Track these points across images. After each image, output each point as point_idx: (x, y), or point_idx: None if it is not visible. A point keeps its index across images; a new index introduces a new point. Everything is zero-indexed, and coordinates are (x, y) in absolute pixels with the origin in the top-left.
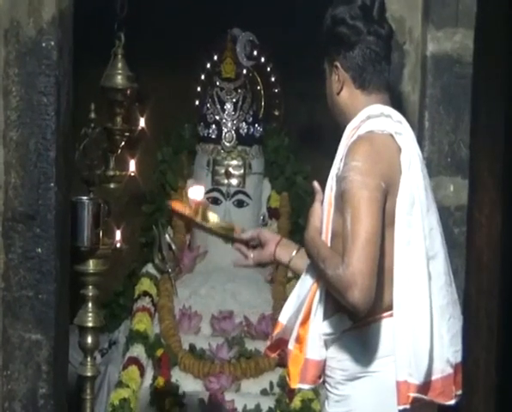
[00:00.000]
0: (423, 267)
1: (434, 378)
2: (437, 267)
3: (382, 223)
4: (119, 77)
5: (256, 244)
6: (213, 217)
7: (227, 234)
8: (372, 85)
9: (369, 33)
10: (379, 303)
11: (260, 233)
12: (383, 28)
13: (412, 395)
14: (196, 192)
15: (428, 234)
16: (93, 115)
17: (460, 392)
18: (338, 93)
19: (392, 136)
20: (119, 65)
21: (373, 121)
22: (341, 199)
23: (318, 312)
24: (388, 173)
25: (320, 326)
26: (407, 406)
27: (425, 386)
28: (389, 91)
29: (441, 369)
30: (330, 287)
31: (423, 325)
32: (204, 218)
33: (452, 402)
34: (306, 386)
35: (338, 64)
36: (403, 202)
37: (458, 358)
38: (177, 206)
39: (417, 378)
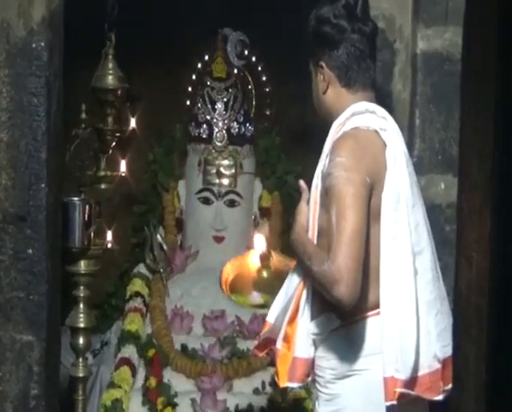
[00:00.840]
0: (409, 263)
1: (421, 373)
2: (424, 263)
3: (368, 219)
4: (110, 78)
5: None
6: (273, 258)
7: None
8: (357, 83)
9: (353, 31)
10: (365, 301)
11: None
12: (367, 26)
13: (399, 390)
14: (259, 242)
15: (414, 230)
16: (84, 116)
17: (448, 387)
18: (324, 93)
19: (377, 132)
20: (110, 66)
21: (358, 118)
22: (326, 195)
23: (305, 310)
24: (373, 169)
25: (308, 326)
26: (394, 402)
27: (412, 382)
28: (375, 89)
29: (429, 364)
30: (316, 284)
31: (410, 321)
32: (268, 268)
33: (440, 397)
34: (294, 385)
35: (324, 64)
36: (388, 198)
37: (446, 353)
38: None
39: (403, 374)
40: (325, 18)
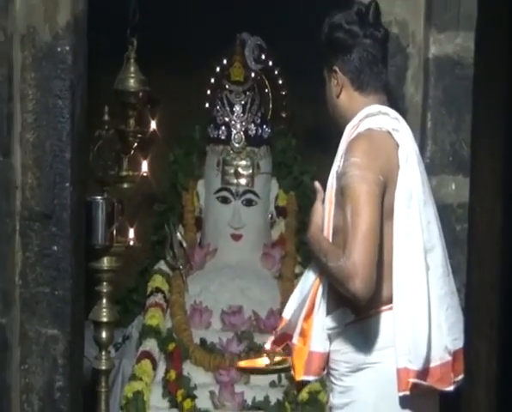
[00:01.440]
0: (421, 259)
1: (433, 365)
2: (435, 259)
3: (381, 216)
4: (132, 81)
5: None
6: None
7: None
8: (370, 86)
9: (365, 36)
10: (379, 296)
11: None
12: (379, 32)
13: (412, 380)
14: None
15: (425, 227)
16: (106, 117)
17: (458, 379)
18: (338, 96)
19: (389, 132)
20: (132, 69)
21: (371, 119)
22: (341, 194)
23: (321, 306)
24: (386, 168)
25: (323, 321)
26: (407, 392)
27: (424, 372)
28: (387, 92)
29: (440, 357)
30: (332, 279)
31: (422, 315)
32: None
33: (451, 388)
34: (310, 378)
35: (337, 68)
36: (401, 196)
37: (456, 346)
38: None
39: (416, 365)
40: (337, 24)
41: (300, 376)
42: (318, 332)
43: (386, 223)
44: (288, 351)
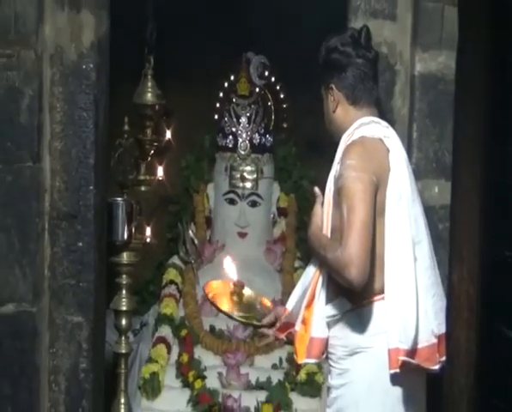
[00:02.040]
0: (410, 251)
1: (420, 346)
2: (422, 251)
3: (374, 212)
4: (149, 95)
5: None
6: (247, 291)
7: (250, 323)
8: (363, 101)
9: (358, 57)
10: (372, 287)
11: (276, 315)
12: (370, 53)
13: (402, 358)
14: (232, 271)
15: (413, 223)
16: (126, 127)
17: (443, 359)
18: (334, 111)
19: (381, 139)
20: (149, 84)
21: (364, 128)
22: (338, 195)
23: (321, 295)
24: (379, 170)
25: (323, 309)
26: (397, 370)
27: (413, 352)
28: (378, 106)
29: (427, 339)
30: (330, 270)
31: (410, 302)
32: (240, 294)
33: (436, 367)
34: (311, 361)
35: (333, 86)
36: (392, 195)
37: (441, 330)
38: (215, 299)
39: (406, 344)
40: (333, 47)
41: (302, 359)
42: (318, 320)
43: (378, 220)
44: (291, 338)
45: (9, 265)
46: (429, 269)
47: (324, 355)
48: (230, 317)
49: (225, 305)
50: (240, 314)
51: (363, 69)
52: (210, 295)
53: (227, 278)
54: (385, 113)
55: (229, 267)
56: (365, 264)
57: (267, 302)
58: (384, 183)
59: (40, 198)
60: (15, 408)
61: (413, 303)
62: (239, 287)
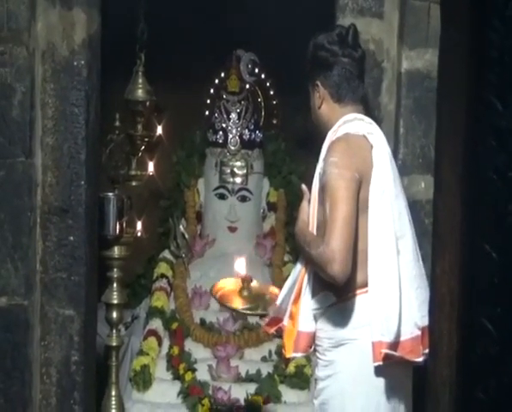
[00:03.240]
0: (393, 245)
1: (404, 338)
2: (406, 245)
3: (357, 209)
4: (140, 91)
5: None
6: (255, 284)
7: (255, 313)
8: (347, 99)
9: (344, 56)
10: (355, 281)
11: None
12: (356, 51)
13: (384, 351)
14: (241, 267)
15: (397, 217)
16: (117, 123)
17: (427, 351)
18: (319, 108)
19: (365, 136)
20: (140, 81)
21: (348, 125)
22: (322, 192)
23: (307, 291)
24: (362, 167)
25: (309, 303)
26: (380, 362)
27: (395, 345)
28: (363, 103)
29: (411, 331)
30: (314, 265)
31: (393, 295)
32: (249, 289)
33: (420, 359)
34: (299, 355)
35: (319, 83)
36: (375, 191)
37: (425, 322)
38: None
39: (388, 337)
40: (320, 44)
41: (290, 354)
42: (305, 314)
43: (361, 215)
44: (280, 333)
45: (2, 259)
46: (412, 262)
47: (311, 349)
48: (237, 312)
49: (236, 302)
50: (246, 306)
51: (349, 68)
52: (217, 295)
53: (236, 273)
54: (372, 109)
55: (239, 262)
56: (347, 260)
57: (275, 290)
58: (367, 179)
59: (32, 193)
60: (7, 400)
61: (396, 296)
62: (247, 281)
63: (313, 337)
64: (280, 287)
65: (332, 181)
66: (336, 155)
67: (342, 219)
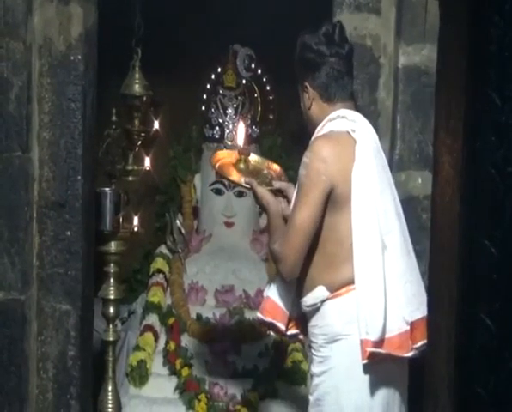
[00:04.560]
0: (377, 241)
1: (391, 335)
2: (393, 240)
3: (323, 209)
4: (137, 86)
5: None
6: (253, 157)
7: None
8: (336, 97)
9: (332, 55)
10: (347, 278)
11: (287, 189)
12: (344, 49)
13: (369, 349)
14: (240, 137)
15: (382, 213)
16: (114, 118)
17: (417, 345)
18: (309, 108)
19: (348, 132)
20: (137, 76)
21: (332, 123)
22: None
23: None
24: (337, 166)
25: (302, 300)
26: (365, 361)
27: (381, 342)
28: (353, 99)
29: (398, 327)
30: (270, 254)
31: (378, 291)
32: (246, 161)
33: (409, 354)
34: (261, 316)
35: (308, 84)
36: (357, 187)
37: (414, 317)
38: (222, 170)
39: (372, 336)
40: (307, 45)
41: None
42: (282, 289)
43: (344, 211)
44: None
45: None
46: (400, 257)
47: (274, 320)
48: (239, 185)
49: (233, 174)
50: (247, 179)
51: (337, 68)
52: (216, 166)
53: (236, 142)
54: (369, 105)
55: (240, 131)
56: (294, 265)
57: (274, 165)
58: (347, 176)
59: (29, 188)
60: (4, 394)
61: (380, 292)
62: (245, 154)
63: (278, 310)
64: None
65: (299, 182)
66: (308, 155)
67: (298, 225)
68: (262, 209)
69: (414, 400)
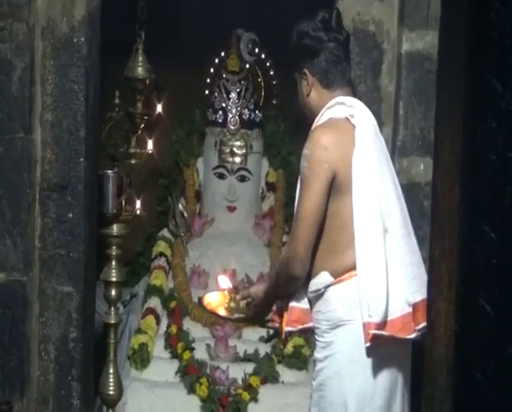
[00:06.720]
0: (379, 224)
1: (393, 317)
2: (393, 223)
3: (327, 198)
4: (140, 69)
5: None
6: (241, 299)
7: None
8: (335, 83)
9: (330, 41)
10: (351, 263)
11: (252, 294)
12: (341, 35)
13: (372, 332)
14: (224, 282)
15: (382, 195)
16: (117, 101)
17: (419, 327)
18: (308, 96)
19: (347, 118)
20: (140, 59)
21: (331, 110)
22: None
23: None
24: (338, 153)
25: (308, 285)
26: (368, 343)
27: (383, 324)
28: (351, 85)
29: (401, 308)
30: (283, 287)
31: (379, 274)
32: (235, 301)
33: (412, 336)
34: (290, 329)
35: (307, 71)
36: (357, 171)
37: (416, 298)
38: (211, 307)
39: (375, 318)
40: (305, 32)
41: (284, 328)
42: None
43: (345, 198)
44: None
45: (0, 235)
46: (401, 239)
47: (303, 326)
48: (231, 320)
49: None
50: (239, 316)
51: (335, 53)
52: (208, 307)
53: (221, 288)
54: (372, 91)
55: (222, 280)
56: (304, 255)
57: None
58: (347, 162)
59: (31, 169)
60: (5, 376)
61: (382, 275)
62: (233, 293)
63: (305, 313)
64: None
65: (301, 175)
66: (308, 146)
67: (304, 217)
68: (266, 307)
69: (412, 382)
